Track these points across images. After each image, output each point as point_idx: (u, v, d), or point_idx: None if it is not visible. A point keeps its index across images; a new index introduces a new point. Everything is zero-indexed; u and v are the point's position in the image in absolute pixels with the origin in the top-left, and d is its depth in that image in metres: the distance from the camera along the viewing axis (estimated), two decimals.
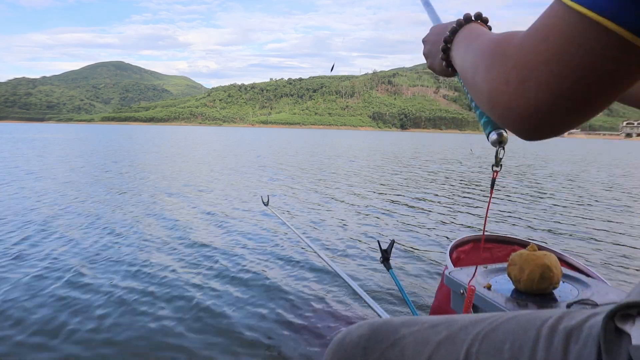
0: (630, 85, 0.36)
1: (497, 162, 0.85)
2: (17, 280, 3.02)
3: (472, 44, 0.53)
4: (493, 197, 7.60)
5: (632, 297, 0.46)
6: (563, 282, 1.36)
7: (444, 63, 0.63)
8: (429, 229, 5.03)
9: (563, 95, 0.37)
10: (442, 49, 0.62)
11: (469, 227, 5.22)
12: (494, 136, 0.78)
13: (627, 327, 0.45)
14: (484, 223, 0.99)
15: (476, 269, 1.25)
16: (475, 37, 0.53)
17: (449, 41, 0.61)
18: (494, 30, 0.57)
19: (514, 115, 0.41)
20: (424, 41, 0.71)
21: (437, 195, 7.79)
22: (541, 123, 0.40)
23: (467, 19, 0.61)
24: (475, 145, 38.54)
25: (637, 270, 3.71)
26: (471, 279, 1.23)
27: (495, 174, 0.88)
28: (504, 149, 0.81)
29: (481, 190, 8.56)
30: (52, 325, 2.38)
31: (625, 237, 4.94)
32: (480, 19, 0.61)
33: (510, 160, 17.98)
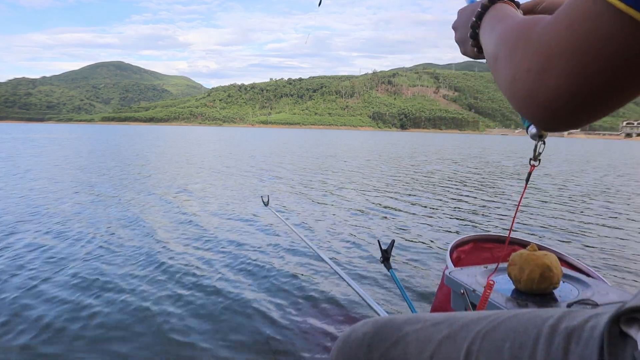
0: None
1: (536, 156, 0.81)
2: None
3: (495, 27, 0.51)
4: (497, 198, 7.62)
5: (637, 301, 0.45)
6: (563, 282, 1.36)
7: (475, 49, 0.61)
8: (429, 228, 5.03)
9: (585, 86, 0.36)
10: (471, 36, 0.60)
11: (469, 227, 5.23)
12: (533, 130, 0.74)
13: (632, 332, 0.45)
14: (512, 218, 0.97)
15: (497, 265, 1.24)
16: (500, 19, 0.52)
17: (476, 27, 0.59)
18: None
19: (534, 104, 0.40)
20: (453, 28, 0.68)
21: (437, 195, 7.79)
22: (561, 113, 0.39)
23: (493, 0, 0.58)
24: (474, 144, 38.53)
25: (637, 270, 3.71)
26: (492, 274, 1.22)
27: (532, 168, 0.83)
28: (544, 142, 0.77)
29: (481, 191, 8.57)
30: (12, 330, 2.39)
31: (626, 236, 4.94)
32: None
33: (508, 161, 17.99)
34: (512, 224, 0.95)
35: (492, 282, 1.17)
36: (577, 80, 0.36)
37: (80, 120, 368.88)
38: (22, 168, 10.25)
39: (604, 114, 0.38)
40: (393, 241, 1.97)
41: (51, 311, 2.54)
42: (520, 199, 0.94)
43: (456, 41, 0.67)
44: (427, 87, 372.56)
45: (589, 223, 5.63)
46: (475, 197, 7.62)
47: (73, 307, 2.60)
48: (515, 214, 0.89)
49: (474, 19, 0.58)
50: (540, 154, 0.79)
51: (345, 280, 1.98)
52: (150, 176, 9.36)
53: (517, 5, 0.59)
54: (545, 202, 7.28)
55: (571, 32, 0.36)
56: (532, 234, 4.89)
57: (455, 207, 6.51)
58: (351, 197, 7.19)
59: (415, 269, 3.50)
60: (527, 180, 0.86)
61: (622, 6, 0.32)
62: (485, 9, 0.58)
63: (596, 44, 0.34)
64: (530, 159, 0.82)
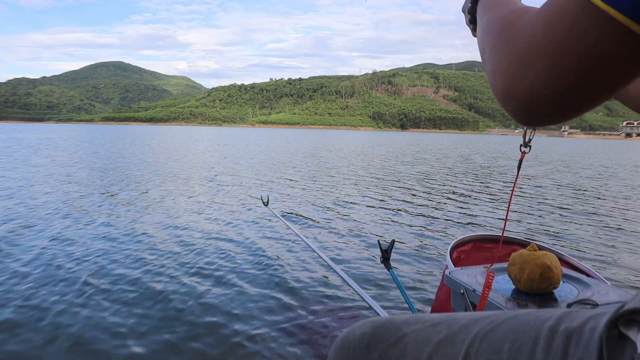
0: (633, 77, 0.35)
1: (526, 142, 0.79)
2: None
3: (485, 16, 0.50)
4: (497, 198, 7.61)
5: (636, 303, 0.45)
6: (563, 282, 1.36)
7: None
8: (429, 229, 5.03)
9: (563, 83, 0.36)
10: (470, 21, 0.60)
11: (469, 227, 5.23)
12: None
13: (632, 334, 0.44)
14: (507, 210, 0.97)
15: (490, 266, 1.26)
16: (492, 6, 0.51)
17: (473, 11, 0.58)
18: None
19: (513, 100, 0.40)
20: (462, 11, 0.66)
21: (437, 195, 7.79)
22: (539, 110, 0.39)
23: None
24: (474, 144, 38.49)
25: (637, 270, 3.71)
26: (489, 269, 1.22)
27: (522, 154, 0.82)
28: (534, 129, 0.76)
29: (481, 190, 8.57)
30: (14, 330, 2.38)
31: (626, 236, 4.94)
32: None
33: (509, 161, 17.99)
34: (507, 213, 0.96)
35: (492, 275, 1.16)
36: (555, 78, 0.36)
37: (80, 120, 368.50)
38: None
39: (583, 111, 0.38)
40: (393, 241, 1.97)
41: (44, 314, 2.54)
42: (514, 186, 0.93)
43: (466, 24, 0.67)
44: (427, 87, 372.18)
45: (589, 223, 5.63)
46: (476, 197, 7.62)
47: (67, 309, 2.60)
48: (510, 199, 0.90)
49: (469, 4, 0.58)
50: (530, 140, 0.78)
51: (345, 280, 1.99)
52: (147, 176, 9.35)
53: None
54: (545, 202, 7.28)
55: (550, 30, 0.36)
56: (531, 234, 4.89)
57: (455, 207, 6.51)
58: (351, 197, 7.19)
59: (415, 269, 3.50)
60: (519, 167, 0.85)
61: (604, 6, 0.32)
62: None
63: (575, 42, 0.34)
64: (521, 145, 0.81)
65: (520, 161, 0.83)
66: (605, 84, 0.35)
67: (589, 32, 0.33)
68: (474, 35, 0.61)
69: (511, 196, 0.94)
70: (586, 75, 0.34)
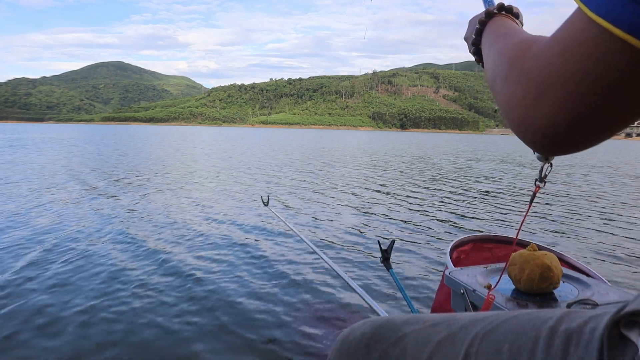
0: None
1: (542, 177, 0.78)
2: None
3: (493, 46, 0.51)
4: (496, 198, 7.61)
5: (637, 305, 0.44)
6: (563, 282, 1.36)
7: (481, 64, 0.59)
8: (429, 229, 5.03)
9: (580, 113, 0.35)
10: (473, 52, 0.61)
11: (469, 227, 5.22)
12: None
13: (633, 336, 0.44)
14: (517, 231, 0.97)
15: (497, 268, 1.27)
16: (498, 37, 0.51)
17: (477, 43, 0.59)
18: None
19: (529, 131, 0.40)
20: (465, 39, 0.67)
21: (437, 195, 7.79)
22: (557, 140, 0.38)
23: (489, 14, 0.58)
24: (472, 144, 38.43)
25: (637, 270, 3.71)
26: (493, 288, 1.22)
27: (537, 188, 0.81)
28: (551, 165, 0.75)
29: (482, 190, 8.57)
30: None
31: (626, 237, 4.93)
32: (504, 9, 0.58)
33: (508, 164, 17.99)
34: (517, 234, 0.95)
35: (492, 298, 1.16)
36: (572, 107, 0.35)
37: (80, 120, 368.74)
38: None
39: (603, 138, 0.37)
40: (393, 241, 1.97)
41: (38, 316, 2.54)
42: (524, 219, 0.94)
43: (469, 52, 0.67)
44: (427, 87, 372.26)
45: (589, 223, 5.63)
46: (475, 197, 7.62)
47: (68, 309, 2.60)
48: (519, 230, 0.91)
49: (474, 36, 0.59)
50: (546, 175, 0.78)
51: (345, 280, 1.99)
52: (146, 176, 9.35)
53: (517, 16, 0.58)
54: (545, 202, 7.27)
55: (565, 58, 0.35)
56: (531, 234, 4.89)
57: (455, 207, 6.51)
58: (351, 197, 7.19)
59: (415, 269, 3.50)
60: (531, 201, 0.84)
61: (620, 33, 0.31)
62: (483, 24, 0.57)
63: (590, 69, 0.34)
64: (536, 180, 0.80)
65: (534, 194, 0.82)
66: (625, 109, 0.34)
67: (607, 59, 0.33)
68: (478, 62, 0.61)
69: (521, 225, 0.92)
70: (605, 102, 0.34)
